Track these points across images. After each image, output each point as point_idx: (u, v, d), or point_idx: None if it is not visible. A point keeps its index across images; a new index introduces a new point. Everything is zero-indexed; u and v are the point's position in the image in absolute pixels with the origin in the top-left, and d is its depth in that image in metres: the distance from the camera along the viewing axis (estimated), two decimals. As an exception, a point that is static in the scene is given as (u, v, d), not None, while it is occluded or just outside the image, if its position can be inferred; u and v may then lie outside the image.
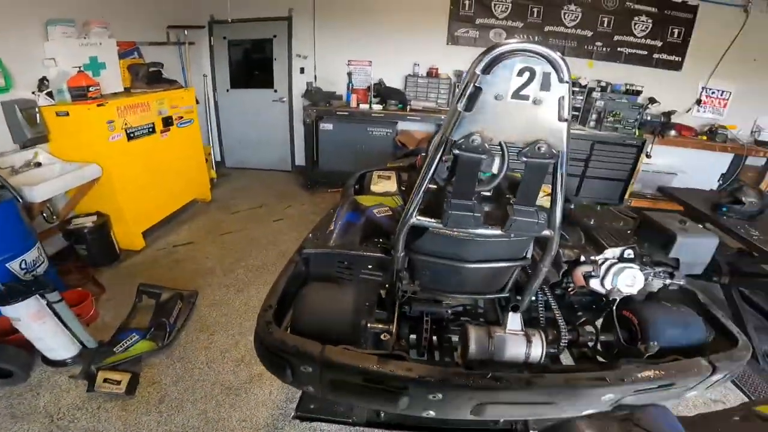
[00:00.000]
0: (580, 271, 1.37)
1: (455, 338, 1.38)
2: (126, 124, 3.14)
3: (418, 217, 1.08)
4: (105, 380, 2.06)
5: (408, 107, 4.68)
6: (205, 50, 5.12)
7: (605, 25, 4.54)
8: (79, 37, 3.11)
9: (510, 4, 4.55)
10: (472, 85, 0.84)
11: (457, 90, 4.82)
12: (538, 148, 0.87)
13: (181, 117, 3.84)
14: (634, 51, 4.61)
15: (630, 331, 1.32)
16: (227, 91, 5.32)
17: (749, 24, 4.34)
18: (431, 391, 1.00)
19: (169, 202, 3.89)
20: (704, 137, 4.52)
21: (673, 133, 4.43)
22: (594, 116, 4.41)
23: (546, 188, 2.32)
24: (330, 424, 1.82)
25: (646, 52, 4.60)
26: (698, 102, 4.70)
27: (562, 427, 1.09)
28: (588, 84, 4.48)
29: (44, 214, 2.89)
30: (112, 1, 3.56)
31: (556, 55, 0.81)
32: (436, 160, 0.96)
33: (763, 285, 2.81)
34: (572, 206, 1.76)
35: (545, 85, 0.82)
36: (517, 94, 0.82)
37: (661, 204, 4.62)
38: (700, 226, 1.45)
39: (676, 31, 4.51)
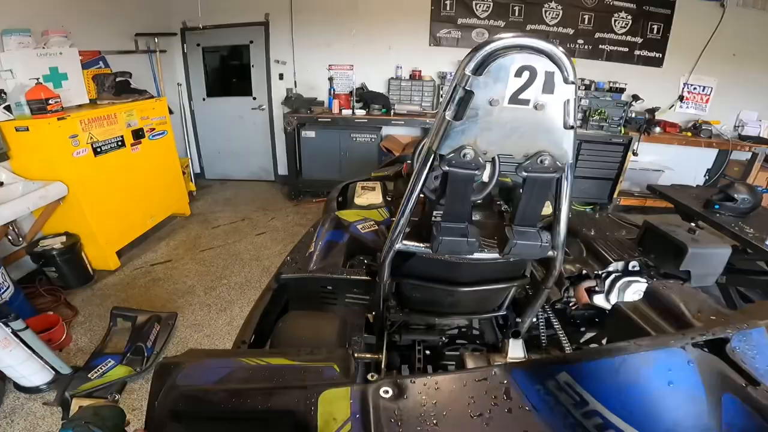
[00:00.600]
0: (584, 286, 1.27)
1: (451, 365, 1.26)
2: (92, 138, 2.96)
3: (405, 242, 0.95)
4: (80, 408, 1.91)
5: (392, 111, 4.58)
6: (178, 58, 4.95)
7: (586, 22, 4.52)
8: (37, 47, 2.92)
9: (491, 4, 4.50)
10: (461, 88, 0.70)
11: (443, 94, 4.79)
12: (541, 161, 0.74)
13: (153, 129, 3.67)
14: (615, 48, 4.61)
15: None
16: (203, 99, 5.15)
17: (726, 18, 4.37)
18: None
19: (145, 218, 3.70)
20: (689, 133, 4.53)
21: (658, 129, 4.43)
22: (579, 115, 4.36)
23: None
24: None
25: (627, 49, 4.60)
26: (680, 98, 4.71)
27: None
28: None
29: (9, 237, 2.75)
30: (72, 9, 3.38)
31: (560, 52, 0.67)
32: (423, 177, 0.83)
33: (761, 283, 2.77)
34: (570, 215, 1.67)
35: (548, 87, 0.69)
36: (515, 98, 0.69)
37: (650, 202, 4.63)
38: (707, 232, 1.36)
39: (655, 27, 4.52)
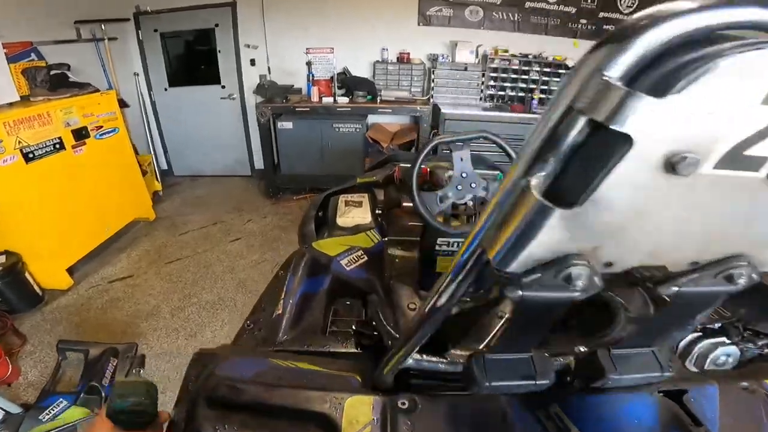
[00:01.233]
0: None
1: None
2: (20, 142, 2.52)
3: (416, 357, 0.62)
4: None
5: (378, 98, 4.21)
6: (133, 46, 4.45)
7: (589, 1, 4.19)
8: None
9: (486, -23, 4.13)
10: (581, 118, 0.29)
11: (434, 78, 4.31)
12: (732, 273, 0.36)
13: (100, 126, 3.22)
14: (619, 28, 4.30)
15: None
16: (165, 89, 4.68)
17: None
18: None
19: (99, 228, 3.29)
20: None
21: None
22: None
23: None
24: None
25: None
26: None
27: None
28: (575, 66, 4.12)
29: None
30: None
31: None
32: (453, 298, 0.48)
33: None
34: None
35: None
36: (737, 157, 0.28)
37: None
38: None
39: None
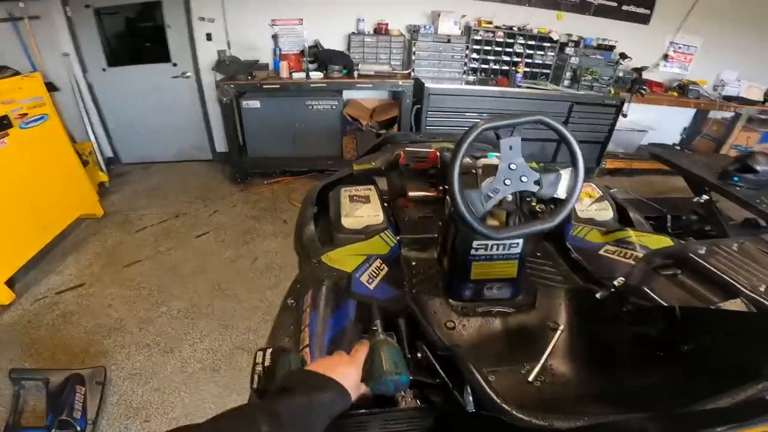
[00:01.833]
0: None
1: None
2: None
3: None
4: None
5: (356, 73, 3.90)
6: (60, 24, 3.83)
7: (572, -27, 4.08)
8: None
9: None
10: None
11: (415, 51, 4.04)
12: None
13: (25, 114, 2.73)
14: (603, 2, 4.26)
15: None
16: (104, 70, 4.10)
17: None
18: None
19: (37, 231, 2.83)
20: (675, 94, 4.42)
21: (646, 90, 4.23)
22: (569, 74, 4.02)
23: (591, 191, 1.80)
24: None
25: (615, 4, 4.29)
26: (665, 57, 4.58)
27: None
28: (559, 39, 4.03)
29: None
30: None
31: None
32: None
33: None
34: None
35: None
36: None
37: (636, 164, 4.59)
38: None
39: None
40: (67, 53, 3.91)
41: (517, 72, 4.02)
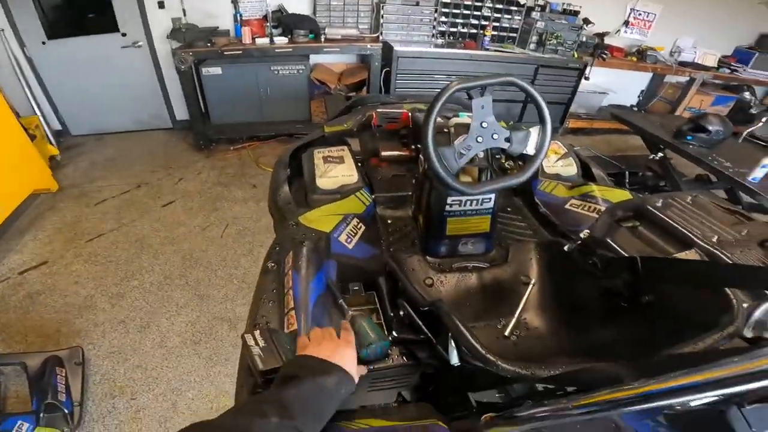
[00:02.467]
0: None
1: None
2: None
3: None
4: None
5: (323, 37, 3.79)
6: None
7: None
8: None
9: None
10: None
11: (383, 14, 3.93)
12: None
13: None
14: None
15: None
16: (44, 43, 3.80)
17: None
18: None
19: (-12, 209, 2.67)
20: (634, 58, 4.58)
21: (608, 55, 4.38)
22: (534, 38, 4.08)
23: (558, 148, 1.90)
24: None
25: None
26: (626, 23, 4.72)
27: None
28: (526, 3, 4.07)
29: None
30: None
31: None
32: None
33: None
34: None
35: None
36: None
37: (597, 124, 4.84)
38: None
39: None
40: (1, 28, 3.59)
41: (485, 35, 4.04)
